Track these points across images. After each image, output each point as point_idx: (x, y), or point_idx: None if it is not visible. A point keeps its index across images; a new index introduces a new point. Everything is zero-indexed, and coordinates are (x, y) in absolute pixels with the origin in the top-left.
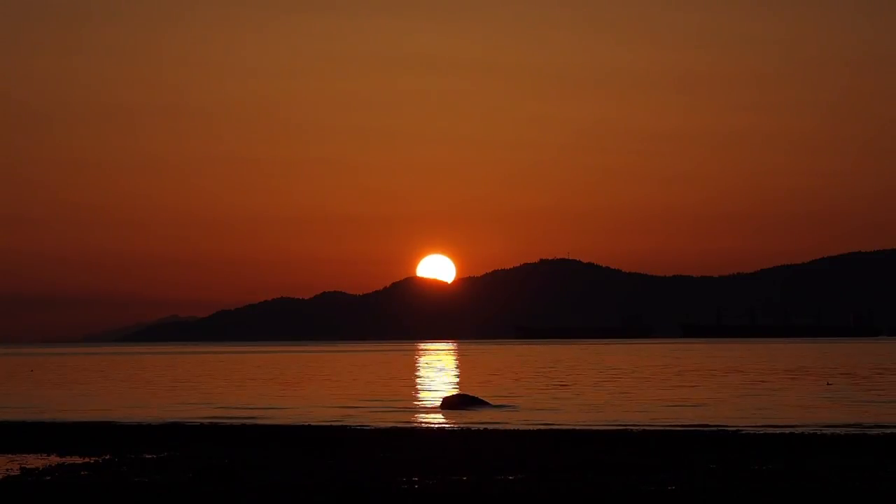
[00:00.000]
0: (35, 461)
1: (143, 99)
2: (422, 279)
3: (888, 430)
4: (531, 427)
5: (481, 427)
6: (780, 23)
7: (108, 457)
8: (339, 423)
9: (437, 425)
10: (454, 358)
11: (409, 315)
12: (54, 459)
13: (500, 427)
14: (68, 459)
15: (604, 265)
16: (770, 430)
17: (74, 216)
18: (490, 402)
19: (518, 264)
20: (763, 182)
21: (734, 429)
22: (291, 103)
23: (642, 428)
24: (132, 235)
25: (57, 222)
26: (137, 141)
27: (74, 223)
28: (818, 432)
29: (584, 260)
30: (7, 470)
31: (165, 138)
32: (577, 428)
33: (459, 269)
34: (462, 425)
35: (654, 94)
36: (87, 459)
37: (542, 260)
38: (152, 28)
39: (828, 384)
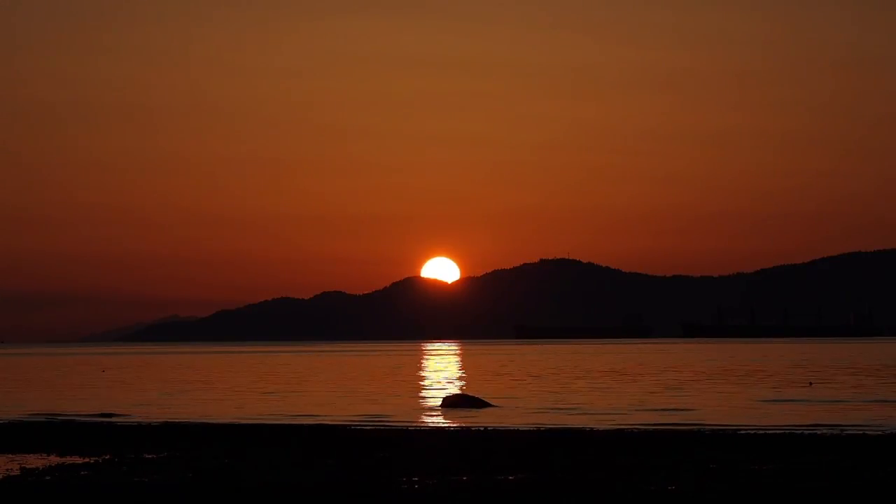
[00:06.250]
0: (35, 461)
1: (152, 100)
2: (421, 279)
3: (887, 430)
4: (531, 427)
5: (481, 427)
6: (764, 22)
7: (108, 457)
8: (340, 423)
9: (437, 425)
10: (454, 358)
11: (409, 315)
12: (54, 459)
13: (500, 427)
14: (68, 459)
15: (604, 265)
16: (769, 430)
17: (82, 216)
18: (490, 402)
19: (518, 264)
20: (767, 182)
21: (734, 429)
22: (295, 104)
23: (642, 428)
24: (134, 235)
25: (63, 222)
26: (154, 141)
27: (81, 223)
28: (817, 432)
29: (584, 260)
30: (7, 470)
31: (172, 139)
32: (578, 428)
33: (462, 269)
34: (462, 425)
35: (652, 92)
36: (87, 459)
37: (542, 260)
38: (173, 30)
39: (809, 384)
